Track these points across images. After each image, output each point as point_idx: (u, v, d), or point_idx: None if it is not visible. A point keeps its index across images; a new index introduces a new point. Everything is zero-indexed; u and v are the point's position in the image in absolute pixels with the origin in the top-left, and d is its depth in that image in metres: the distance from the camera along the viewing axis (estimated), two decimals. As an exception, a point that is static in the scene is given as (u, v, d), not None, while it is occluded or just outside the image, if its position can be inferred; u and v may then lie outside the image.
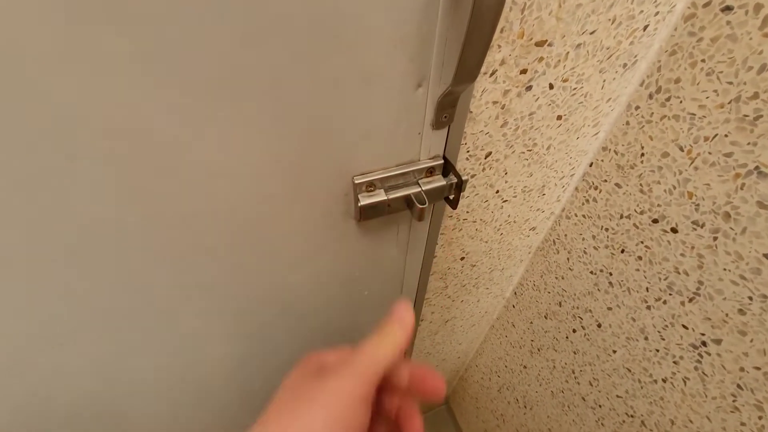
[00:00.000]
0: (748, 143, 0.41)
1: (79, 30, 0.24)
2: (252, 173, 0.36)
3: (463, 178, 0.45)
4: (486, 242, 0.69)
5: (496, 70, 0.40)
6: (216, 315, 0.50)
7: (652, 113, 0.50)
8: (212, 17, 0.26)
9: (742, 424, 0.50)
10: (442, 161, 0.45)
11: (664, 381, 0.60)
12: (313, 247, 0.48)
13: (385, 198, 0.43)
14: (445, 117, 0.39)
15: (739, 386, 0.49)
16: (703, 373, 0.53)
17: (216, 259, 0.42)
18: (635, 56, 0.47)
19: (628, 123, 0.53)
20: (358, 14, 0.29)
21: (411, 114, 0.38)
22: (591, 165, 0.61)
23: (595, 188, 0.62)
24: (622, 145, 0.55)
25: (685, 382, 0.56)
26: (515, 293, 0.92)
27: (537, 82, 0.44)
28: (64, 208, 0.32)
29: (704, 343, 0.52)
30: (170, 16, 0.25)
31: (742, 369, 0.48)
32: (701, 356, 0.53)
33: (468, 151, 0.48)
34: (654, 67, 0.48)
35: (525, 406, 1.04)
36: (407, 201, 0.45)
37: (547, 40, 0.40)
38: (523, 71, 0.41)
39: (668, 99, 0.48)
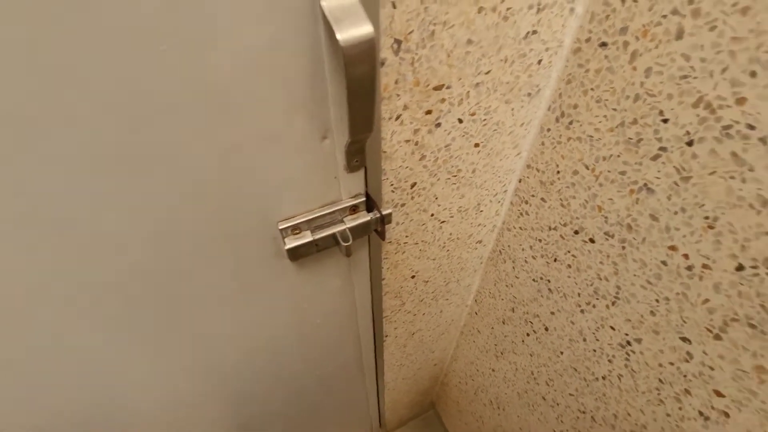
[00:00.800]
0: (636, 163, 0.45)
1: None
2: (183, 232, 0.39)
3: (385, 212, 0.48)
4: (434, 260, 0.72)
5: (401, 115, 0.43)
6: (181, 355, 0.52)
7: (561, 135, 0.54)
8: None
9: (668, 415, 0.54)
10: (365, 198, 0.48)
11: (603, 378, 0.64)
12: (255, 288, 0.50)
13: (312, 239, 0.46)
14: (357, 161, 0.43)
15: (660, 380, 0.53)
16: (633, 370, 0.57)
17: (170, 310, 0.45)
18: (537, 86, 0.51)
19: (543, 143, 0.57)
20: (247, 88, 0.32)
21: (323, 162, 0.42)
22: (520, 181, 0.65)
23: (526, 202, 0.66)
24: (542, 164, 0.59)
25: (620, 379, 0.60)
26: (476, 301, 0.96)
27: (445, 119, 0.47)
28: None
29: (629, 343, 0.56)
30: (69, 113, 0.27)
31: (660, 365, 0.52)
32: (628, 354, 0.57)
33: (392, 185, 0.51)
34: (556, 94, 0.52)
35: (498, 407, 1.07)
36: (335, 239, 0.47)
37: (444, 84, 0.43)
38: (428, 112, 0.45)
39: (571, 122, 0.52)
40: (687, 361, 0.49)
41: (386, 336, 0.88)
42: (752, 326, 0.40)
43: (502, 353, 0.94)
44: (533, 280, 0.71)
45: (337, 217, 0.47)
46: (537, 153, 0.59)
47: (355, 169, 0.44)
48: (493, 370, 1.02)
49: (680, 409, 0.52)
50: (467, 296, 0.95)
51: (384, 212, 0.48)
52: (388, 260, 0.65)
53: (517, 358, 0.88)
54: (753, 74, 0.34)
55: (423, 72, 0.41)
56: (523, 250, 0.71)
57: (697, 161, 0.40)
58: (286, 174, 0.40)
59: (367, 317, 0.74)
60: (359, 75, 0.31)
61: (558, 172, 0.57)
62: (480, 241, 0.76)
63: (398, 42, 0.37)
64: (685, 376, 0.49)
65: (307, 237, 0.46)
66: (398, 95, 0.41)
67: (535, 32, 0.44)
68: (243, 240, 0.44)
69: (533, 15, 0.42)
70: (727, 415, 0.46)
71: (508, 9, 0.40)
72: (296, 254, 0.46)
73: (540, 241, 0.66)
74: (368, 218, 0.48)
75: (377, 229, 0.51)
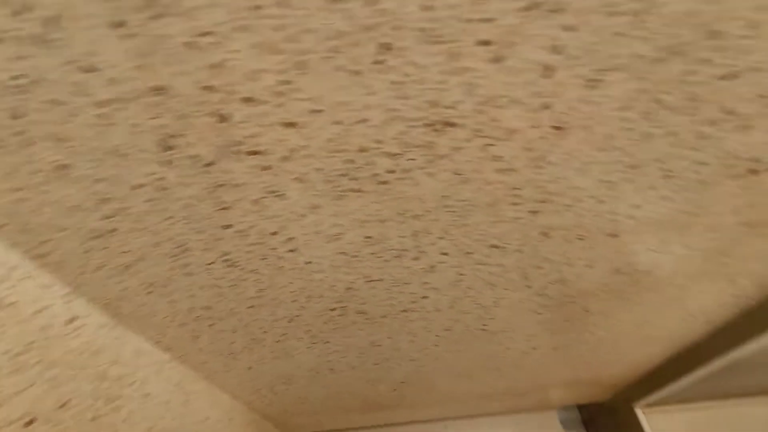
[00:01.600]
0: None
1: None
2: None
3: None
4: None
5: None
6: None
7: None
8: None
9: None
10: None
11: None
12: None
13: None
14: None
15: (262, 259, 0.77)
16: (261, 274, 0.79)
17: None
18: None
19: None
20: None
21: None
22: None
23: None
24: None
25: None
26: (171, 357, 0.93)
27: None
28: None
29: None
30: None
31: (250, 251, 0.75)
32: (230, 266, 0.77)
33: None
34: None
35: (333, 371, 1.22)
36: None
37: None
38: None
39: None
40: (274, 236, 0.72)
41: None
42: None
43: (232, 353, 1.02)
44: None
45: None
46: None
47: None
48: (250, 368, 1.11)
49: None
50: (168, 382, 0.91)
51: None
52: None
53: (262, 345, 0.99)
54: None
55: None
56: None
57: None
58: None
59: None
60: None
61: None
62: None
63: None
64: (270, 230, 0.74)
65: None
66: None
67: None
68: None
69: None
70: (342, 233, 0.75)
71: None
72: None
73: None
74: None
75: None
